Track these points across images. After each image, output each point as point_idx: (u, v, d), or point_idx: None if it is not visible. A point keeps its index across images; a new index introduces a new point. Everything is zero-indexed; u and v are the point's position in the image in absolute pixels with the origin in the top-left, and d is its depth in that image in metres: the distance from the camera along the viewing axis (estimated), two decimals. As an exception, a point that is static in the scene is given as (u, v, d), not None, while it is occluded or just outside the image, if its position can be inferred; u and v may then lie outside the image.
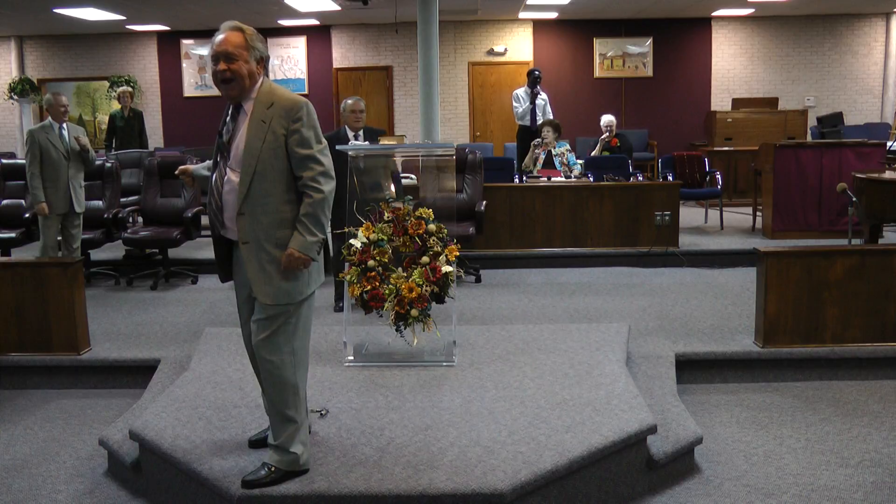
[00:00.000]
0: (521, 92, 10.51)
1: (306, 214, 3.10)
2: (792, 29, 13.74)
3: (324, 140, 3.18)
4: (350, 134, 6.23)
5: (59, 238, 6.75)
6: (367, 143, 6.26)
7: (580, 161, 9.15)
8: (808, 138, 11.05)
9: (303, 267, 3.11)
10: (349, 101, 6.31)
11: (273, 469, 3.15)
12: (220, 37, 3.10)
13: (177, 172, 3.48)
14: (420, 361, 4.56)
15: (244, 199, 3.09)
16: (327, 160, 3.16)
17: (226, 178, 3.13)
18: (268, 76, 3.22)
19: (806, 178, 8.31)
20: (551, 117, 10.38)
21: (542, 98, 10.50)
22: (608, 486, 3.49)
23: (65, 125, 6.65)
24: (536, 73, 10.47)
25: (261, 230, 3.10)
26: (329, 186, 3.13)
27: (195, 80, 14.07)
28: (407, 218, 4.52)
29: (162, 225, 7.53)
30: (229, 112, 3.18)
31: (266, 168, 3.08)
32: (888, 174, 7.03)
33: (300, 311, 3.21)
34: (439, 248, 4.47)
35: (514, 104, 10.54)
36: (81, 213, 6.77)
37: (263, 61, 3.15)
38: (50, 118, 6.61)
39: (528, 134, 10.46)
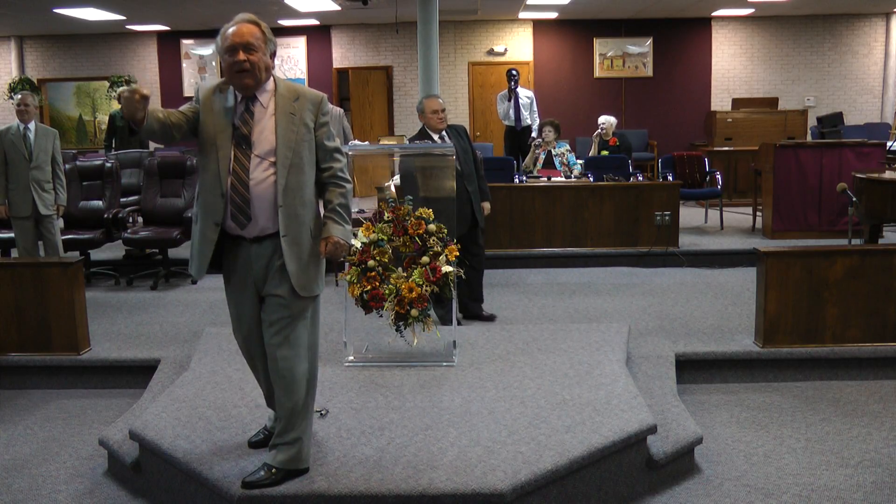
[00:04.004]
0: (501, 93, 10.62)
1: (341, 204, 3.20)
2: (792, 29, 13.74)
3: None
4: (435, 136, 5.53)
5: (40, 242, 6.70)
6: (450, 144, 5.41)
7: (580, 161, 9.16)
8: (808, 138, 11.05)
9: (343, 253, 3.22)
10: (425, 100, 5.58)
11: (274, 470, 3.14)
12: (234, 28, 3.05)
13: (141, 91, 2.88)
14: (420, 361, 4.55)
15: (283, 192, 3.07)
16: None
17: (251, 170, 3.07)
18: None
19: (806, 178, 8.31)
20: (537, 115, 10.44)
21: (528, 96, 10.54)
22: (608, 486, 3.49)
23: (31, 126, 6.53)
24: (513, 72, 10.57)
25: (299, 222, 3.12)
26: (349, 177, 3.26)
27: (195, 80, 14.07)
28: (407, 218, 4.52)
29: (162, 225, 7.53)
30: (242, 104, 3.11)
31: (300, 160, 3.11)
32: (888, 174, 7.03)
33: (316, 305, 3.28)
34: (439, 248, 4.47)
35: (497, 105, 10.68)
36: (51, 215, 6.60)
37: (274, 56, 3.17)
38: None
39: (512, 134, 10.54)
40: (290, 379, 3.16)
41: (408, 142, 5.81)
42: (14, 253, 7.56)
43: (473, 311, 5.79)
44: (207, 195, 3.13)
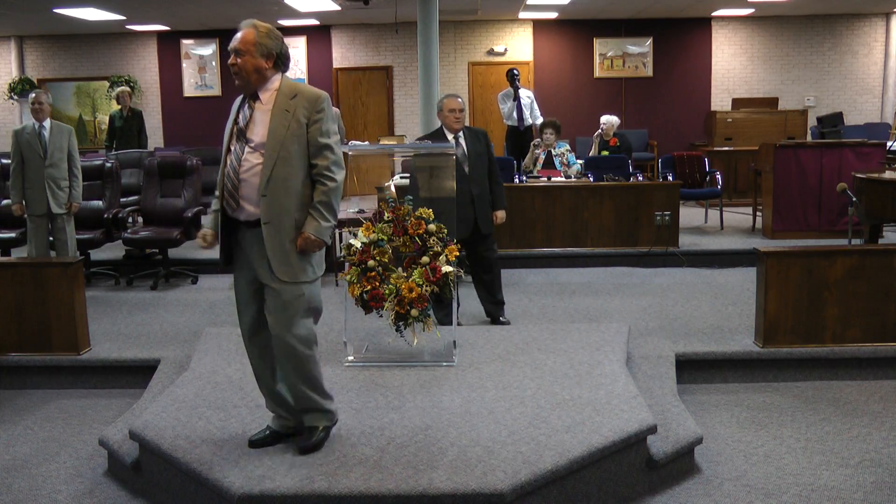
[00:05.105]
0: (503, 93, 10.59)
1: (321, 201, 3.32)
2: (792, 29, 13.74)
3: (338, 133, 3.40)
4: (449, 136, 5.47)
5: (51, 239, 6.71)
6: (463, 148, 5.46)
7: (580, 161, 9.17)
8: (808, 138, 11.05)
9: (317, 249, 3.36)
10: (444, 99, 5.53)
11: (322, 428, 3.46)
12: (237, 34, 3.31)
13: (204, 244, 3.51)
14: (420, 361, 4.56)
15: (267, 182, 3.25)
16: (340, 151, 3.40)
17: (244, 159, 3.30)
18: (285, 71, 3.41)
19: (806, 178, 8.31)
20: (538, 115, 10.42)
21: (528, 96, 10.53)
22: (608, 486, 3.49)
23: (45, 124, 6.53)
24: (514, 72, 10.53)
25: (282, 211, 3.27)
26: (341, 176, 3.36)
27: (195, 80, 14.07)
28: (407, 218, 4.52)
29: (162, 225, 7.53)
30: (245, 102, 3.37)
31: (289, 153, 3.27)
32: (888, 174, 7.03)
33: (312, 291, 3.41)
34: (439, 248, 4.47)
35: (500, 106, 10.62)
36: (63, 214, 6.60)
37: (274, 57, 3.32)
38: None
39: (515, 133, 10.52)
40: (295, 358, 3.36)
41: (416, 139, 5.78)
42: (14, 253, 7.57)
43: (493, 315, 5.76)
44: (221, 190, 3.39)
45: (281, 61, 3.35)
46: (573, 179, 8.55)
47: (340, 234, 6.94)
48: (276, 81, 3.34)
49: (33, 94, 6.64)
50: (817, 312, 5.04)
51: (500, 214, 5.74)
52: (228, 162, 3.33)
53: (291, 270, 3.30)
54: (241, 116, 3.35)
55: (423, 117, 9.19)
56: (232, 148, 3.34)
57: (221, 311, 6.35)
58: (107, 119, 11.48)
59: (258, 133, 3.29)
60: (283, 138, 3.26)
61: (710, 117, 12.49)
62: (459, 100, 5.56)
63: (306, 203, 3.33)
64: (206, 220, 3.57)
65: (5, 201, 7.74)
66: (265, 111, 3.30)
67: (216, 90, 13.98)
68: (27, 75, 14.06)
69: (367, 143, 6.15)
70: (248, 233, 3.34)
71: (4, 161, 8.09)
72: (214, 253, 3.47)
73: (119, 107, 10.88)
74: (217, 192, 3.42)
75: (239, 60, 3.26)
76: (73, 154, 6.67)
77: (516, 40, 13.88)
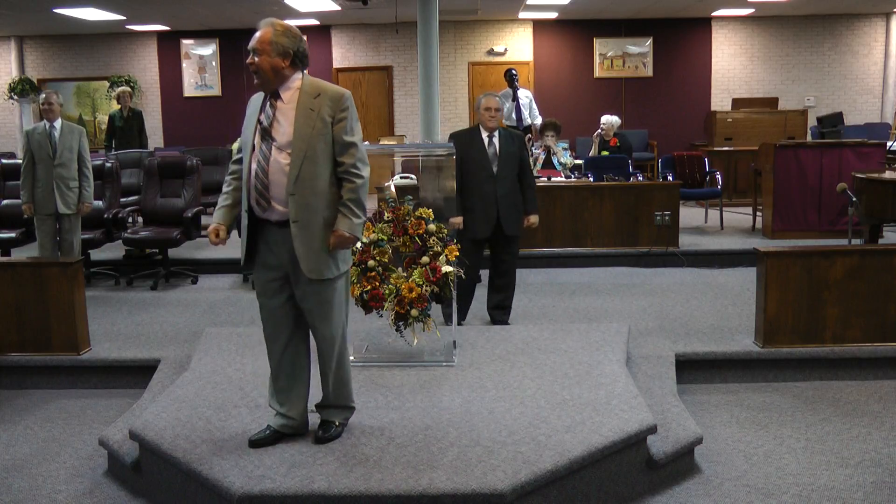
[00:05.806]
0: (501, 94, 10.55)
1: (350, 199, 3.35)
2: (792, 29, 13.74)
3: (360, 130, 3.44)
4: (484, 134, 5.59)
5: (58, 238, 6.72)
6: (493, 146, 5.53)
7: (579, 161, 9.19)
8: (808, 138, 11.04)
9: (350, 246, 3.41)
10: (482, 98, 5.70)
11: (339, 423, 3.57)
12: (256, 33, 3.36)
13: (216, 239, 3.48)
14: (420, 361, 4.56)
15: (295, 181, 3.27)
16: (364, 148, 3.43)
17: (271, 159, 3.30)
18: (305, 69, 3.42)
19: (806, 178, 8.31)
20: (537, 114, 10.42)
21: (527, 96, 10.52)
22: (608, 486, 3.49)
23: (56, 124, 6.53)
24: (513, 72, 10.51)
25: (310, 210, 3.30)
26: (366, 172, 3.39)
27: (195, 80, 14.07)
28: (407, 218, 4.52)
29: (162, 225, 7.53)
30: (266, 100, 3.37)
31: (315, 152, 3.30)
32: (888, 174, 7.03)
33: (342, 285, 3.49)
34: (439, 248, 4.47)
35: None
36: (72, 214, 6.59)
37: (291, 55, 3.33)
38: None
39: None
40: (331, 351, 3.47)
41: (450, 135, 5.84)
42: (20, 253, 7.57)
43: (496, 320, 5.76)
44: (242, 185, 3.42)
45: (299, 59, 3.36)
46: (573, 179, 8.54)
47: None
48: (296, 80, 3.36)
49: (43, 95, 6.65)
50: (817, 312, 5.04)
51: (533, 219, 5.73)
52: (255, 162, 3.33)
53: (319, 268, 3.32)
54: (263, 116, 3.35)
55: (424, 117, 9.19)
56: (257, 147, 3.34)
57: (221, 311, 6.35)
58: (107, 119, 11.47)
59: (284, 132, 3.30)
60: (310, 137, 3.27)
61: (710, 117, 12.49)
62: (497, 99, 5.67)
63: (333, 201, 3.34)
64: (216, 215, 3.52)
65: (5, 201, 7.75)
66: (288, 110, 3.31)
67: (216, 90, 13.98)
68: (27, 75, 14.06)
69: (366, 143, 6.11)
70: (278, 233, 3.34)
71: (5, 161, 8.11)
72: (215, 253, 3.48)
73: (119, 107, 10.87)
74: (244, 193, 3.38)
75: (256, 59, 3.29)
76: (83, 155, 6.66)
77: (516, 40, 13.88)
